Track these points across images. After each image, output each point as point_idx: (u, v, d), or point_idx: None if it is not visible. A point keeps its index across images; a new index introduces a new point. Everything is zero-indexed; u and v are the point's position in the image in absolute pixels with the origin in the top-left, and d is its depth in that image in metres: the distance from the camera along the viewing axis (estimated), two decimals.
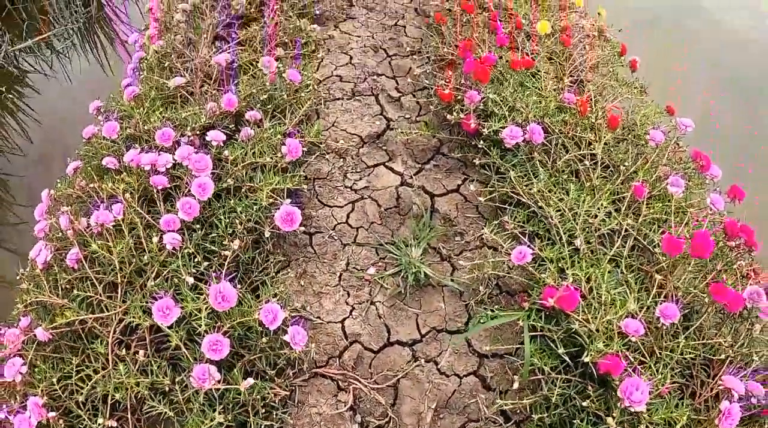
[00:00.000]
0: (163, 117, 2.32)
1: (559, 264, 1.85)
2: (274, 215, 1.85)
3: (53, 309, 1.79)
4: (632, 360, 1.62)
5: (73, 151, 3.16)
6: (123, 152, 2.25)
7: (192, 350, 1.62)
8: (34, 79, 4.22)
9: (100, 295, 1.75)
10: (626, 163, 2.26)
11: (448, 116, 2.24)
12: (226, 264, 1.78)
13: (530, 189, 2.06)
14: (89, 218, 1.94)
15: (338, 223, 2.09)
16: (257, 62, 2.64)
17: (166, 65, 2.71)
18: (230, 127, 2.27)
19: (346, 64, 2.74)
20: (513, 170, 2.11)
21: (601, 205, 2.03)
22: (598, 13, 3.55)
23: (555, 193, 2.08)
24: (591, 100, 2.61)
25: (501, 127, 2.14)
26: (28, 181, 3.35)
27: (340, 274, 1.97)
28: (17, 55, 4.33)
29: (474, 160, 2.17)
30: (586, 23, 3.22)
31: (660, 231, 2.02)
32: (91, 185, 2.11)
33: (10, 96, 3.98)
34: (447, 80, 2.39)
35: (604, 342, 1.63)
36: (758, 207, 2.49)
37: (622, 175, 2.22)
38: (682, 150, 2.51)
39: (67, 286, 1.82)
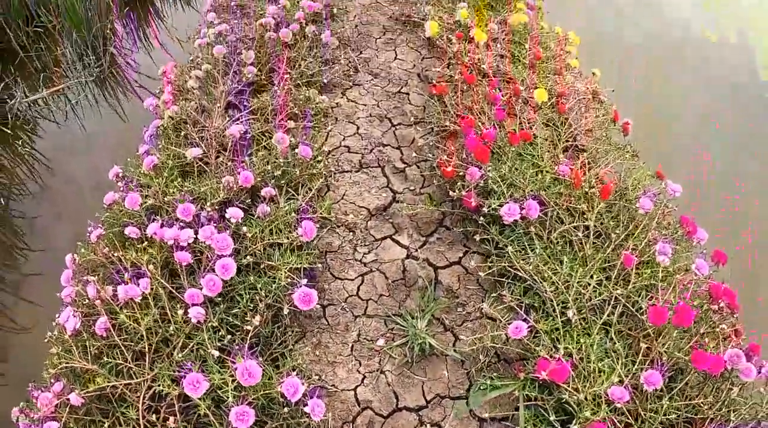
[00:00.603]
0: (183, 189, 2.53)
1: (553, 336, 2.06)
2: (292, 293, 2.05)
3: (83, 374, 1.98)
4: (618, 424, 1.82)
5: (85, 195, 3.41)
6: (144, 221, 2.46)
7: (218, 417, 1.81)
8: (46, 127, 4.43)
9: (129, 363, 1.94)
10: (617, 231, 2.48)
11: (451, 192, 2.46)
12: (248, 338, 1.98)
13: (527, 262, 2.27)
14: (115, 287, 2.13)
15: (349, 296, 2.30)
16: (270, 133, 2.86)
17: (182, 134, 2.92)
18: (247, 201, 2.48)
19: (354, 134, 2.97)
20: (511, 245, 2.32)
21: (593, 274, 2.24)
22: (593, 73, 3.81)
23: (550, 265, 2.29)
24: (585, 166, 2.83)
25: (500, 205, 2.35)
26: (42, 223, 3.58)
27: (352, 345, 2.18)
28: (31, 105, 4.54)
29: (474, 236, 2.38)
30: (582, 86, 3.45)
31: (648, 296, 2.23)
32: (115, 254, 2.30)
33: (24, 140, 4.17)
34: (449, 156, 2.61)
35: (591, 409, 1.83)
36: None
37: (613, 243, 2.43)
38: (672, 210, 2.70)
39: (97, 353, 2.01)
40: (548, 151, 2.94)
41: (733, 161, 4.30)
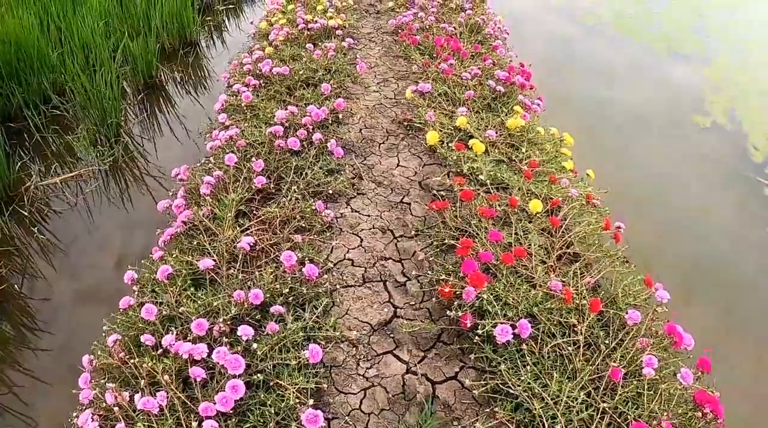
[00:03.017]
0: (196, 301, 2.81)
1: None
2: (300, 413, 2.32)
3: None
4: None
5: (98, 278, 3.66)
6: (159, 329, 2.74)
7: None
8: (60, 208, 4.74)
9: None
10: (607, 341, 2.75)
11: (448, 312, 2.74)
12: None
13: (519, 379, 2.53)
14: (132, 393, 2.41)
15: (352, 409, 2.56)
16: (278, 245, 3.17)
17: (194, 242, 3.23)
18: (257, 317, 2.76)
19: (357, 246, 3.28)
20: (504, 363, 2.58)
21: (583, 386, 2.51)
22: (587, 174, 4.13)
23: (541, 380, 2.55)
24: (577, 276, 3.11)
25: (493, 326, 2.63)
26: (53, 305, 3.86)
27: None
28: (45, 189, 4.87)
29: (470, 355, 2.66)
30: (576, 190, 3.75)
31: (634, 407, 2.49)
32: (132, 361, 2.57)
33: (39, 227, 4.47)
34: (447, 275, 2.91)
35: None
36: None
37: (603, 353, 2.70)
38: (660, 317, 2.97)
39: None
40: (542, 262, 3.22)
41: (729, 251, 4.59)
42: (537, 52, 7.35)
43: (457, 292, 2.82)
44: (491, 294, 2.77)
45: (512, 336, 2.63)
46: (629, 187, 5.11)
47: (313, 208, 3.37)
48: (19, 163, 4.96)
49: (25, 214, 4.54)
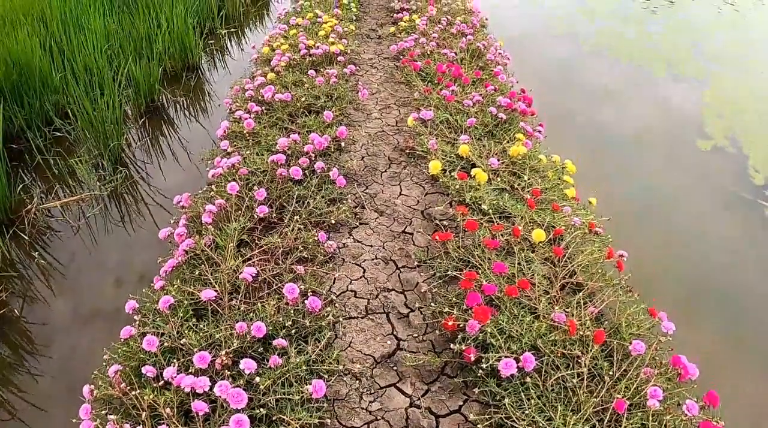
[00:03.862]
0: (198, 333, 2.80)
1: None
2: None
3: None
4: None
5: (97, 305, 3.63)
6: (161, 361, 2.72)
7: None
8: (62, 230, 4.73)
9: None
10: (611, 372, 2.74)
11: (452, 345, 2.73)
12: None
13: (524, 412, 2.52)
14: (134, 425, 2.41)
15: None
16: (281, 276, 3.17)
17: (196, 273, 3.22)
18: (259, 350, 2.75)
19: (360, 277, 3.28)
20: (508, 397, 2.57)
21: (586, 419, 2.49)
22: (590, 202, 4.13)
23: (545, 413, 2.54)
24: (581, 305, 3.11)
25: (497, 360, 2.62)
26: (52, 330, 3.86)
27: None
28: (46, 212, 4.87)
29: (474, 388, 2.65)
30: (578, 219, 3.75)
31: None
32: (133, 393, 2.56)
33: (39, 252, 4.47)
34: (450, 306, 2.90)
35: None
36: None
37: (607, 385, 2.69)
38: (668, 341, 2.97)
39: None
40: (545, 292, 3.22)
41: (732, 273, 4.59)
42: (536, 74, 7.41)
43: (461, 325, 2.81)
44: (495, 327, 2.76)
45: (516, 369, 2.62)
46: (630, 211, 5.13)
47: (316, 238, 3.37)
48: (20, 186, 4.96)
49: (26, 238, 4.53)
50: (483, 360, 2.65)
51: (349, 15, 7.46)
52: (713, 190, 5.65)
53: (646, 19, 10.53)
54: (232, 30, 8.78)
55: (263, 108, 4.83)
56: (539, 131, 4.85)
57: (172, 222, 3.74)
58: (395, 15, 7.64)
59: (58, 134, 5.65)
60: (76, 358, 3.65)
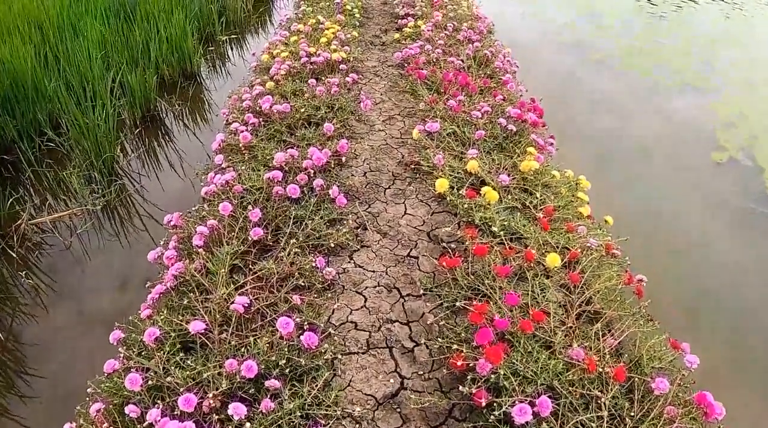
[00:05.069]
0: (185, 372, 2.55)
1: None
2: None
3: None
4: None
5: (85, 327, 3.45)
6: (145, 399, 2.48)
7: None
8: (51, 249, 4.51)
9: None
10: (632, 413, 2.49)
11: (461, 387, 2.47)
12: None
13: None
14: None
15: None
16: (276, 306, 2.92)
17: (185, 302, 2.97)
18: (250, 391, 2.50)
19: (361, 307, 3.02)
20: None
21: None
22: (605, 221, 3.88)
23: None
24: (599, 338, 2.85)
25: (511, 405, 2.36)
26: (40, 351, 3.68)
27: None
28: (37, 228, 4.65)
29: None
30: (594, 240, 3.50)
31: None
32: None
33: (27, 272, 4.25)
34: (459, 343, 2.65)
35: None
36: None
37: (628, 427, 2.43)
38: (689, 377, 2.72)
39: None
40: (561, 322, 2.97)
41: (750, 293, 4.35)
42: (544, 84, 7.17)
43: (471, 364, 2.55)
44: (508, 368, 2.50)
45: (532, 415, 2.36)
46: (645, 227, 4.89)
47: (313, 264, 3.12)
48: (10, 199, 4.74)
49: (14, 255, 4.31)
50: (495, 405, 2.40)
51: (352, 21, 7.21)
52: (727, 204, 5.40)
53: (654, 25, 10.29)
54: (233, 36, 8.56)
55: (261, 119, 4.58)
56: (551, 144, 4.60)
57: (162, 242, 3.50)
58: (399, 21, 7.40)
59: (52, 145, 5.43)
60: (64, 383, 3.45)
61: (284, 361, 2.56)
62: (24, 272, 4.22)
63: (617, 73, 8.14)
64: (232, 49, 8.29)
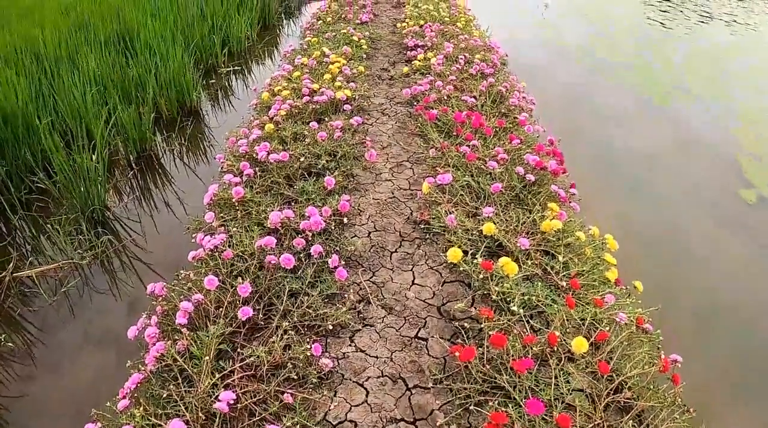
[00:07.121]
0: None
1: None
2: None
3: None
4: None
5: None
6: None
7: None
8: (35, 306, 4.18)
9: None
10: None
11: None
12: None
13: None
14: None
15: None
16: (265, 403, 2.55)
17: (164, 395, 2.62)
18: None
19: (362, 402, 2.63)
20: None
21: None
22: (635, 286, 3.48)
23: None
24: None
25: None
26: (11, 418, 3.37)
27: None
28: (21, 282, 4.32)
29: None
30: (624, 315, 3.12)
31: None
32: None
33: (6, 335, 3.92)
34: None
35: None
36: None
37: None
38: None
39: None
40: (587, 416, 2.60)
41: None
42: (554, 100, 6.83)
43: None
44: None
45: None
46: (671, 278, 4.48)
47: (308, 353, 2.74)
48: None
49: None
50: None
51: (359, 53, 6.88)
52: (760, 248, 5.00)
53: (667, 46, 9.95)
54: (237, 68, 8.23)
55: (256, 169, 4.23)
56: (572, 193, 4.21)
57: (145, 314, 3.15)
58: (408, 53, 7.06)
59: (42, 186, 5.11)
60: None
61: None
62: (3, 335, 3.88)
63: (633, 94, 7.77)
64: (236, 80, 7.96)
